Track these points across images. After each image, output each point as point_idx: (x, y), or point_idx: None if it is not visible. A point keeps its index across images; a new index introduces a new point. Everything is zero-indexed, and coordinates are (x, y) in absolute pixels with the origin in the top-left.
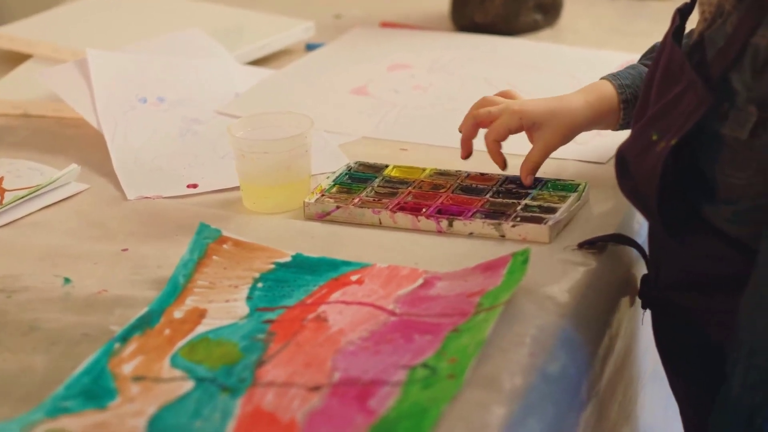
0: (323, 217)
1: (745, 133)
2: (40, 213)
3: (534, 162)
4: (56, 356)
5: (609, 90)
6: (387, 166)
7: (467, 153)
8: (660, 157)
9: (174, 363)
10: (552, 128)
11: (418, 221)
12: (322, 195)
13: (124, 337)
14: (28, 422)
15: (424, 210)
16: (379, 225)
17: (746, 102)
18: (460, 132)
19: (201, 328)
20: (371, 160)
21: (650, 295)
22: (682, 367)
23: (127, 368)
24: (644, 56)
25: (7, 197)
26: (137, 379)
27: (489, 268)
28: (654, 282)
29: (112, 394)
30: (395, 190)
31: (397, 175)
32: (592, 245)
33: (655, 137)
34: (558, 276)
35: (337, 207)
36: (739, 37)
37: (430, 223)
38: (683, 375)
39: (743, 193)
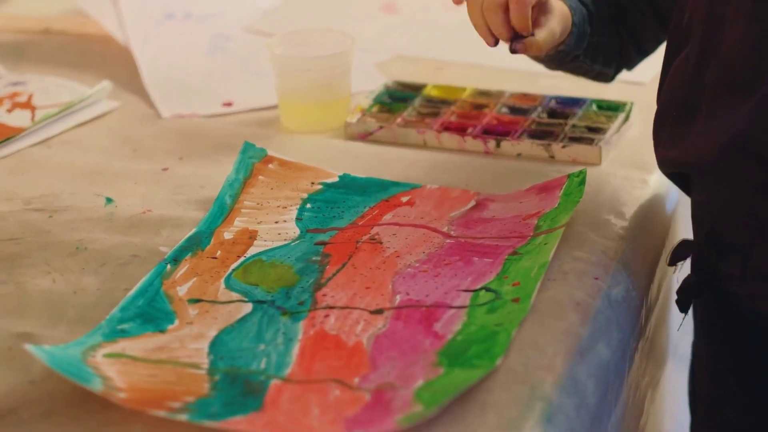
0: (366, 137)
1: None
2: (72, 131)
3: (540, 50)
4: (107, 277)
5: (565, 8)
6: (425, 86)
7: (495, 38)
8: None
9: (229, 285)
10: (560, 17)
11: (465, 142)
12: (363, 114)
13: (175, 259)
14: (87, 345)
15: (470, 130)
16: (424, 145)
17: None
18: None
19: (253, 250)
20: (407, 79)
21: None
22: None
23: (182, 290)
24: None
25: (38, 115)
26: (193, 301)
27: (544, 189)
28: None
29: (171, 317)
30: (438, 110)
31: (436, 94)
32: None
33: None
34: (612, 198)
35: (380, 127)
36: None
37: (477, 144)
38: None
39: None
